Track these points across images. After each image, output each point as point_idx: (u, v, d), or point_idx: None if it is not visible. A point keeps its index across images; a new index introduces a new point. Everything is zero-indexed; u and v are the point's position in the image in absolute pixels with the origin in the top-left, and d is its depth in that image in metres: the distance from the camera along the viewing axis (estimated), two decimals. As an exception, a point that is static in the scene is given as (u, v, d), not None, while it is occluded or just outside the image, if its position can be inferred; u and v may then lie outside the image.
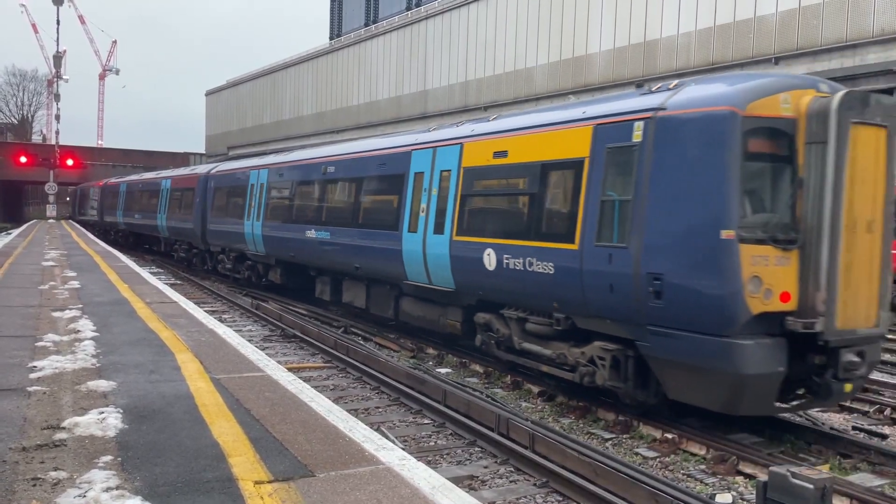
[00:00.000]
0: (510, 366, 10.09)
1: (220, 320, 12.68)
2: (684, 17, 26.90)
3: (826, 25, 22.79)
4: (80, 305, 10.55)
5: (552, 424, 8.09)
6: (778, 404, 7.11)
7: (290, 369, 7.51)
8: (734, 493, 6.30)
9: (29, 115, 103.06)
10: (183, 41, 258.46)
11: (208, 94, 73.31)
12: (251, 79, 63.52)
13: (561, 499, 6.14)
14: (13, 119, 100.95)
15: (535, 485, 6.38)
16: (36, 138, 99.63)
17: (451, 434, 7.81)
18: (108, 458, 4.24)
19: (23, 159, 56.94)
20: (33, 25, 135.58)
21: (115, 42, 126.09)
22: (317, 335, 12.79)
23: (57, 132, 57.26)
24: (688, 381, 7.34)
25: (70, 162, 55.61)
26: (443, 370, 10.90)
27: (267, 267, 18.27)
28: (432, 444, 7.52)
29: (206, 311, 12.16)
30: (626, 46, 29.10)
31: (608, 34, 29.75)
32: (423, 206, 11.38)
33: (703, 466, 6.97)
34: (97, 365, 6.69)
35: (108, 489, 3.75)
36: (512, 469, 6.77)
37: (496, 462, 6.96)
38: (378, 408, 8.84)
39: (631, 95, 8.44)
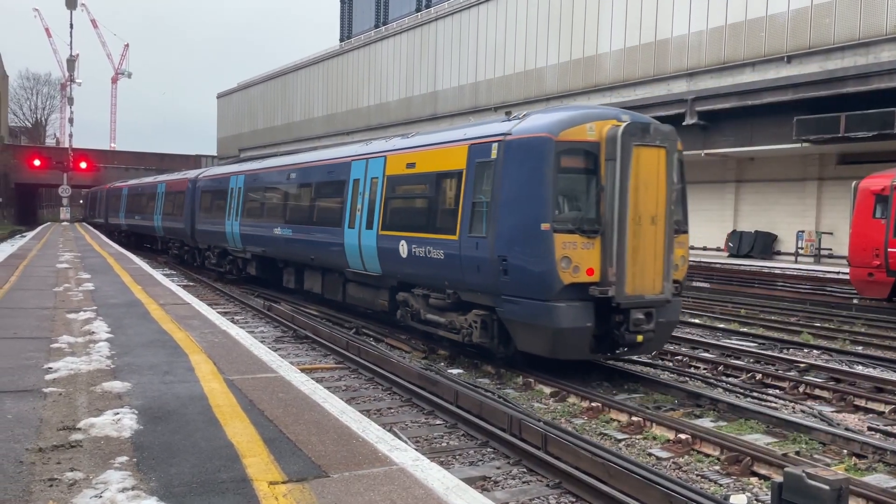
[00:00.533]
0: (422, 334, 12.53)
1: (233, 321, 12.74)
2: (695, 16, 26.77)
3: (838, 23, 22.61)
4: (95, 307, 10.62)
5: (564, 425, 8.07)
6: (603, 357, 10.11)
7: (302, 370, 7.53)
8: (749, 495, 6.27)
9: (42, 119, 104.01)
10: (194, 44, 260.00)
11: (220, 96, 73.70)
12: (262, 81, 63.81)
13: (574, 500, 6.12)
14: (27, 122, 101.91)
15: (547, 485, 6.37)
16: (49, 142, 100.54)
17: (463, 435, 7.81)
18: (124, 458, 4.27)
19: (37, 162, 57.45)
20: (46, 30, 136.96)
21: (127, 45, 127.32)
22: (328, 336, 12.82)
23: (70, 135, 57.74)
24: (527, 335, 9.73)
25: (83, 165, 56.05)
26: (454, 371, 10.90)
27: (245, 261, 20.49)
28: (445, 444, 7.52)
29: (218, 312, 12.21)
30: (636, 46, 29.01)
31: (619, 34, 29.66)
32: (359, 206, 13.70)
33: (717, 467, 6.93)
34: (112, 366, 6.73)
35: (123, 490, 3.77)
36: (524, 470, 6.76)
37: (509, 463, 6.95)
38: (390, 408, 8.85)
39: (496, 121, 10.94)
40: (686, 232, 10.53)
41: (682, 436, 7.55)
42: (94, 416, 5.08)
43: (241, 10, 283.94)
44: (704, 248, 30.77)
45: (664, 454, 7.36)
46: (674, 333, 12.81)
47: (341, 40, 60.57)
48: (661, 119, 29.12)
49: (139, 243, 35.71)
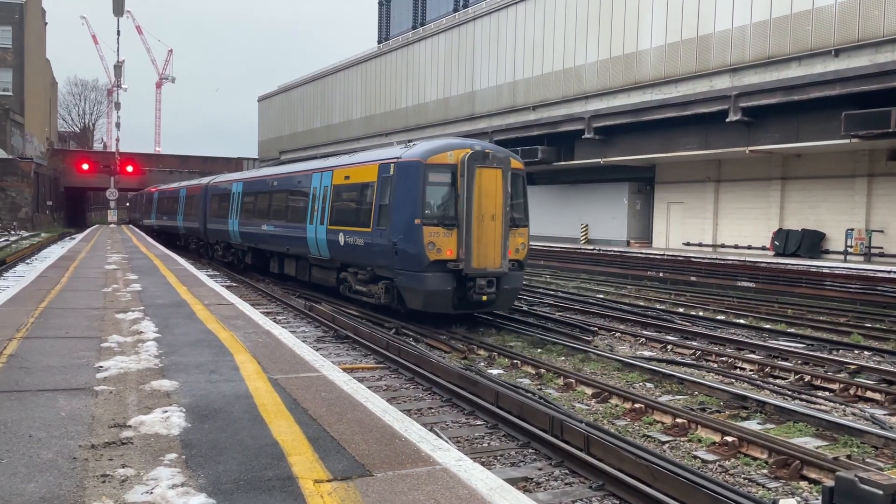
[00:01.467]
0: (357, 303, 16.43)
1: (275, 321, 12.91)
2: (739, 10, 26.22)
3: (889, 15, 21.91)
4: (142, 307, 10.88)
5: (606, 426, 7.99)
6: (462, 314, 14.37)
7: (343, 370, 7.59)
8: (798, 499, 6.12)
9: (90, 124, 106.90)
10: (236, 48, 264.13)
11: (261, 99, 74.78)
12: (302, 84, 64.53)
13: (618, 502, 6.05)
14: (75, 128, 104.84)
15: (590, 487, 6.31)
16: (97, 146, 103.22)
17: (504, 436, 7.79)
18: (173, 455, 4.36)
19: (85, 166, 59.09)
20: (93, 37, 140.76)
21: (170, 51, 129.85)
22: (369, 336, 12.90)
23: (117, 140, 59.16)
24: (410, 296, 13.85)
25: (129, 168, 57.42)
26: (494, 371, 10.88)
27: (243, 252, 25.06)
28: (486, 445, 7.51)
29: (261, 312, 12.39)
30: (678, 42, 28.56)
31: (660, 29, 29.24)
32: (316, 208, 17.90)
33: (764, 471, 6.79)
34: (160, 365, 6.88)
35: (173, 486, 3.85)
36: (567, 471, 6.71)
37: (550, 464, 6.91)
38: (431, 408, 8.87)
39: (397, 149, 15.05)
40: (525, 226, 14.59)
41: (729, 438, 7.41)
42: (144, 413, 5.19)
43: (282, 14, 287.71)
44: (749, 248, 30.21)
45: (710, 457, 7.23)
46: (718, 334, 14.36)
47: (379, 42, 60.94)
48: (703, 116, 28.53)
49: (169, 242, 38.61)
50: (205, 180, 31.82)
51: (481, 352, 12.31)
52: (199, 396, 5.75)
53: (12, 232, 49.38)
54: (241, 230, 24.25)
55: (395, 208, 14.00)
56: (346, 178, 16.50)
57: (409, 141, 16.30)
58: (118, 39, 34.48)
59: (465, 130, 41.15)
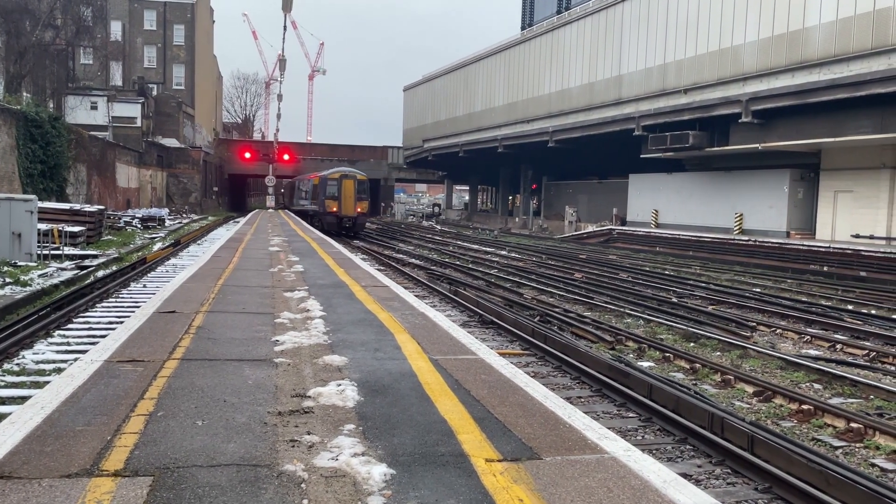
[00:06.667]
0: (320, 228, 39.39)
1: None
2: (926, -21, 23.65)
3: None
4: (306, 287, 11.60)
5: (771, 427, 7.60)
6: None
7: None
8: None
9: (251, 115, 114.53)
10: (383, 40, 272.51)
11: (406, 89, 76.79)
12: (445, 73, 65.53)
13: (787, 506, 5.76)
14: (238, 119, 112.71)
15: (756, 489, 6.05)
16: (256, 136, 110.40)
17: (658, 430, 7.62)
18: (351, 426, 4.65)
19: (247, 155, 63.52)
20: (253, 32, 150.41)
21: (322, 44, 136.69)
22: (513, 322, 13.00)
23: (277, 130, 63.07)
24: (325, 224, 38.16)
25: (286, 157, 61.06)
26: (644, 363, 10.63)
27: (318, 218, 40.94)
28: (640, 438, 7.39)
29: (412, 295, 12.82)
30: (851, 17, 26.23)
31: (830, 4, 26.97)
32: (306, 193, 47.55)
33: (957, 486, 6.19)
34: (328, 341, 7.34)
35: (355, 455, 4.12)
36: (728, 471, 6.47)
37: (711, 462, 6.68)
38: (580, 398, 8.82)
39: (323, 172, 41.50)
40: (365, 200, 39.69)
41: (913, 448, 6.82)
42: (321, 385, 5.57)
43: (431, 4, 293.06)
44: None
45: (890, 465, 6.71)
46: (894, 335, 12.34)
47: (522, 28, 60.60)
48: (880, 97, 26.07)
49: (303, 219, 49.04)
50: (322, 173, 44.43)
51: (630, 343, 12.05)
52: (368, 372, 6.08)
53: (184, 215, 54.13)
54: (312, 207, 43.90)
55: (320, 193, 39.41)
56: (313, 182, 42.38)
57: (330, 169, 39.96)
58: (284, 36, 36.72)
59: (609, 116, 40.10)
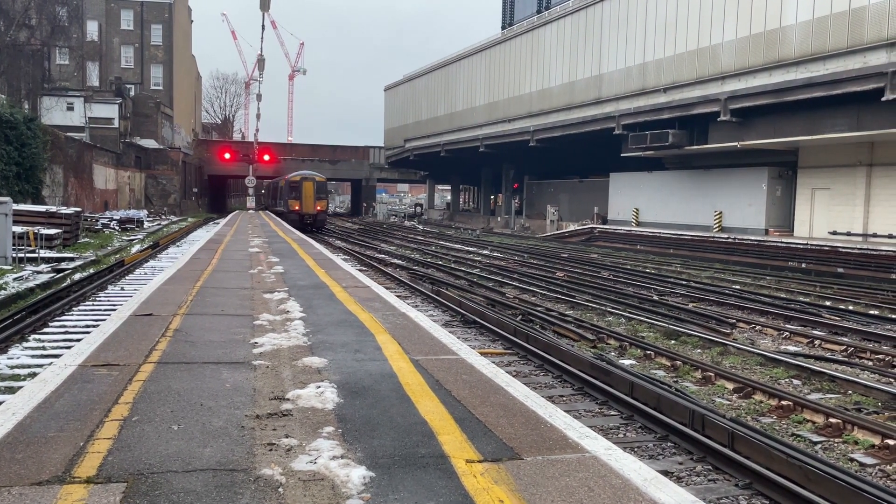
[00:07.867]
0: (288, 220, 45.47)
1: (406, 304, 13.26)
2: (899, -22, 23.98)
3: None
4: (286, 288, 11.50)
5: (751, 423, 7.64)
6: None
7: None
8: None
9: (230, 115, 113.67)
10: (363, 39, 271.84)
11: (387, 89, 76.60)
12: (426, 73, 65.47)
13: (767, 502, 5.79)
14: (217, 119, 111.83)
15: (736, 485, 6.07)
16: (235, 136, 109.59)
17: (640, 427, 7.63)
18: (330, 428, 4.60)
19: (227, 155, 63.05)
20: (232, 32, 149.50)
21: (302, 44, 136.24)
22: (496, 321, 12.99)
23: (257, 130, 62.65)
24: (289, 221, 41.09)
25: (266, 157, 60.68)
26: (626, 361, 10.66)
27: (286, 216, 44.28)
28: (622, 436, 7.40)
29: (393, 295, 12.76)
30: (827, 16, 26.54)
31: (806, 3, 27.28)
32: (280, 193, 48.99)
33: (934, 480, 6.26)
34: (308, 343, 7.26)
35: (334, 457, 4.06)
36: (709, 467, 6.49)
37: (692, 459, 6.70)
38: (562, 396, 8.83)
39: (287, 175, 48.31)
40: (324, 199, 45.78)
41: (891, 441, 6.89)
42: (300, 388, 5.50)
43: (410, 4, 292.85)
44: (905, 237, 27.75)
45: (869, 460, 6.77)
46: (872, 330, 13.55)
47: (503, 28, 60.70)
48: (855, 95, 26.38)
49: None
50: (287, 175, 49.66)
51: (611, 341, 12.09)
52: (348, 374, 6.02)
53: (163, 216, 53.58)
54: (279, 207, 49.03)
55: (284, 194, 45.20)
56: (279, 184, 49.75)
57: (293, 172, 47.17)
58: (262, 35, 36.30)
59: (590, 115, 40.26)
